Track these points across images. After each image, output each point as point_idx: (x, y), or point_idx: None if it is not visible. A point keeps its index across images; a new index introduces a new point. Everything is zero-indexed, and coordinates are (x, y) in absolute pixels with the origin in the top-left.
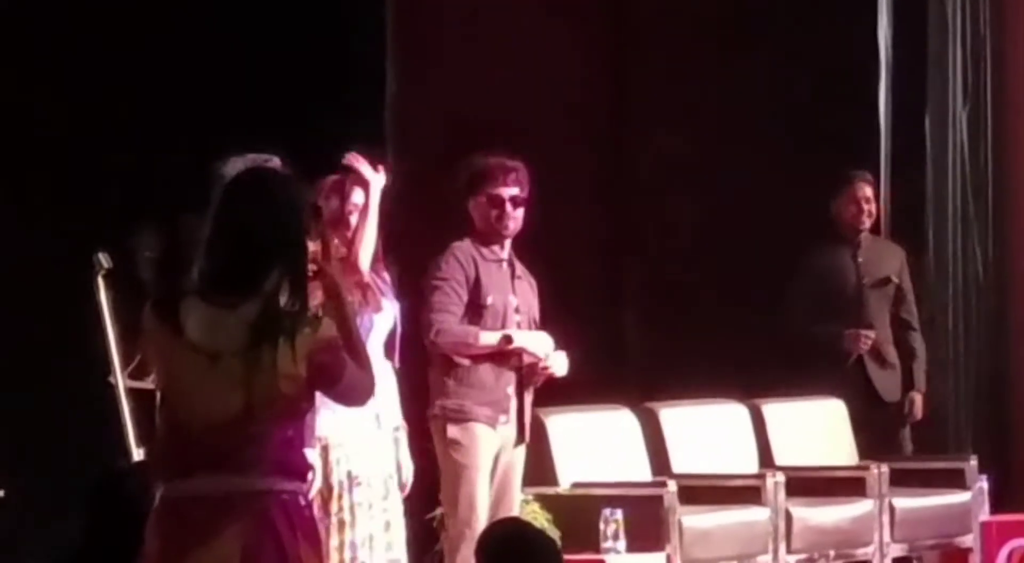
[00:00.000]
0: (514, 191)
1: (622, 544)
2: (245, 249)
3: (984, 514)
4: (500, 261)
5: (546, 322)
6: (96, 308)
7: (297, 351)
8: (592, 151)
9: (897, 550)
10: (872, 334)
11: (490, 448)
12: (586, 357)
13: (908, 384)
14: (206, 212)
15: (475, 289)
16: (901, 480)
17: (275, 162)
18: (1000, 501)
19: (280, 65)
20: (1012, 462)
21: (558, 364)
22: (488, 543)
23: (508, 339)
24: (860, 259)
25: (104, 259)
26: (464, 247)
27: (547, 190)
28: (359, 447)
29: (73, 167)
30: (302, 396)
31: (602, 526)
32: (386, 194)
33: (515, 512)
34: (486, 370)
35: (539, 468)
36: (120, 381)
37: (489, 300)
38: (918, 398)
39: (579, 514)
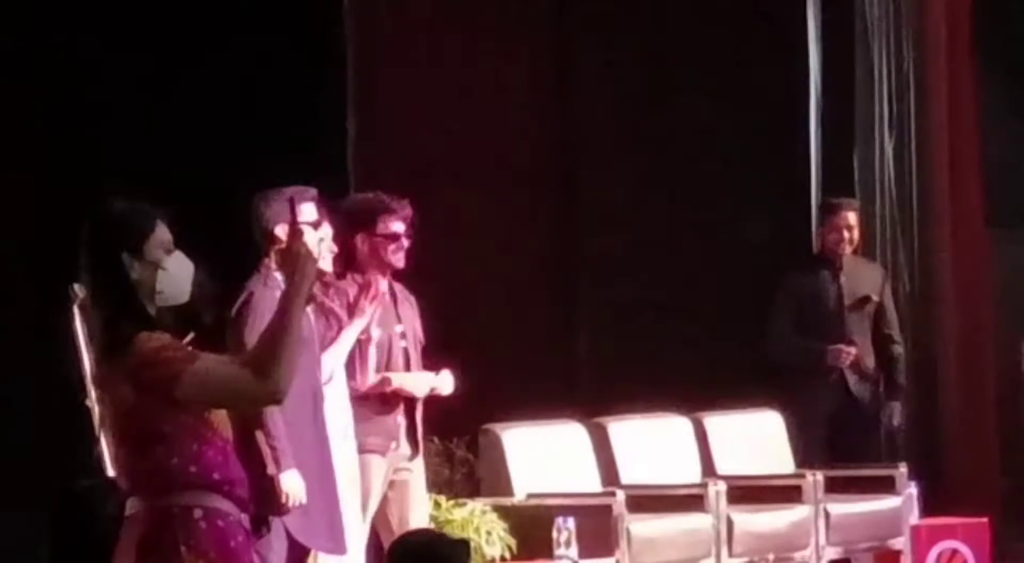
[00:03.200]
0: (404, 227)
1: (574, 551)
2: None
3: (914, 518)
4: (383, 294)
5: (500, 342)
6: (72, 336)
7: (126, 371)
8: (545, 183)
9: (832, 553)
10: (853, 350)
11: (379, 476)
12: (539, 375)
13: (890, 395)
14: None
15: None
16: (835, 487)
17: (312, 193)
18: (930, 506)
19: (244, 111)
20: (941, 469)
21: (444, 386)
22: (397, 554)
23: (387, 381)
24: (842, 280)
25: (79, 289)
26: (346, 285)
27: (501, 218)
28: None
29: (48, 199)
30: (146, 415)
31: (555, 534)
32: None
33: (426, 521)
34: (373, 403)
35: (495, 480)
36: (95, 404)
37: (375, 335)
38: (897, 407)
39: (534, 523)
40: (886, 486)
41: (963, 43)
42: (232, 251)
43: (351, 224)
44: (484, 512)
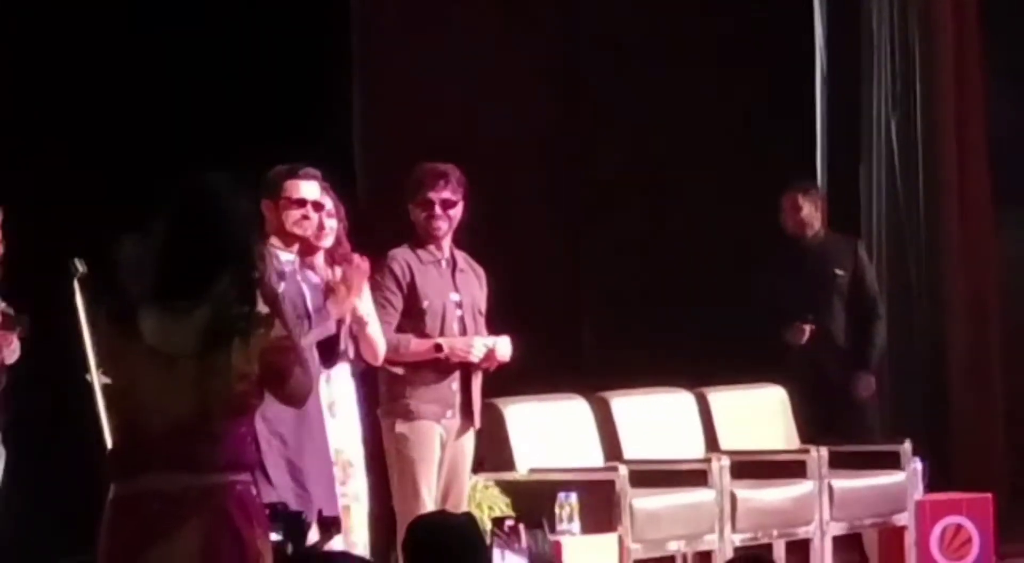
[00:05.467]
0: (445, 195)
1: (576, 526)
2: (200, 256)
3: (918, 494)
4: (438, 261)
5: (505, 318)
6: (73, 310)
7: (251, 351)
8: (553, 159)
9: (837, 528)
10: (808, 327)
11: (436, 442)
12: (543, 350)
13: (858, 365)
14: (161, 222)
15: (411, 294)
16: (840, 462)
17: (314, 172)
18: (935, 482)
19: (251, 91)
20: (946, 445)
21: (501, 350)
22: (410, 536)
23: (438, 347)
24: (806, 259)
25: (80, 264)
26: (399, 254)
27: (508, 194)
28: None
29: (51, 174)
30: (254, 394)
31: (557, 509)
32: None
33: (464, 497)
34: (429, 370)
35: (498, 455)
36: (96, 379)
37: (425, 303)
38: (868, 378)
39: (536, 498)
40: (890, 462)
41: (970, 17)
42: None
43: (406, 196)
44: (486, 487)
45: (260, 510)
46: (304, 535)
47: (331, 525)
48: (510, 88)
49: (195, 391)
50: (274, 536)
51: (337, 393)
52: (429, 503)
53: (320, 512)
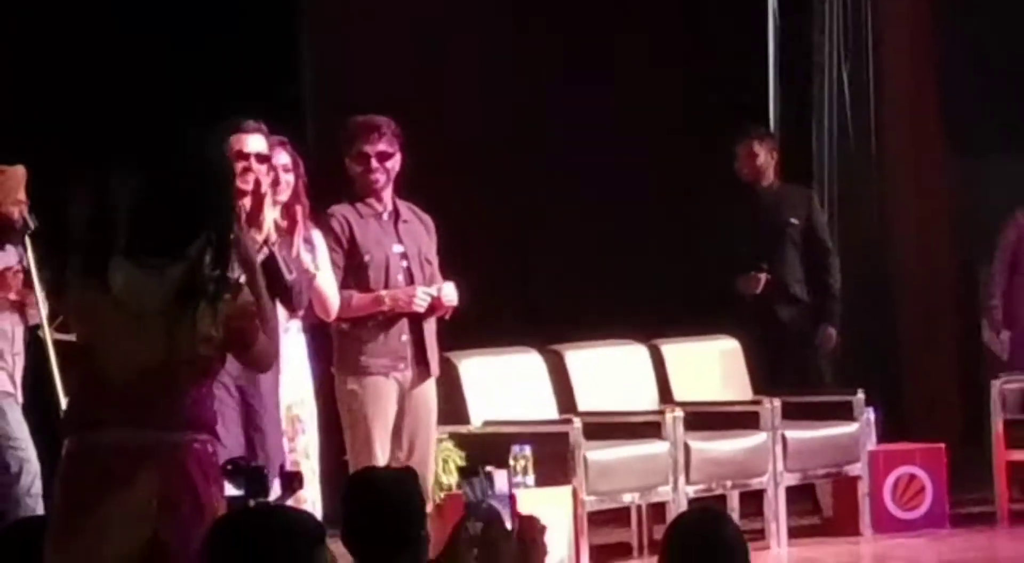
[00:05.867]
0: (380, 147)
1: (531, 479)
2: (176, 214)
3: (871, 444)
4: (379, 214)
5: (456, 271)
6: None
7: (218, 315)
8: (503, 115)
9: (790, 479)
10: (763, 276)
11: (390, 398)
12: (494, 304)
13: (820, 318)
14: (137, 174)
15: (352, 249)
16: (793, 413)
17: (259, 125)
18: (888, 432)
19: (201, 47)
20: (899, 395)
21: (447, 296)
22: (344, 491)
23: (379, 300)
24: (760, 207)
25: (31, 220)
26: (338, 211)
27: (459, 148)
28: None
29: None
30: (217, 357)
31: (512, 462)
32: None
33: (431, 446)
34: (376, 324)
35: (452, 408)
36: (48, 334)
37: (367, 257)
38: (831, 331)
39: (490, 451)
40: (843, 412)
41: None
42: None
43: (342, 150)
44: (440, 440)
45: (217, 469)
46: (266, 490)
47: (293, 480)
48: (459, 40)
49: (159, 349)
50: (235, 491)
51: (287, 348)
52: (382, 459)
53: (282, 467)
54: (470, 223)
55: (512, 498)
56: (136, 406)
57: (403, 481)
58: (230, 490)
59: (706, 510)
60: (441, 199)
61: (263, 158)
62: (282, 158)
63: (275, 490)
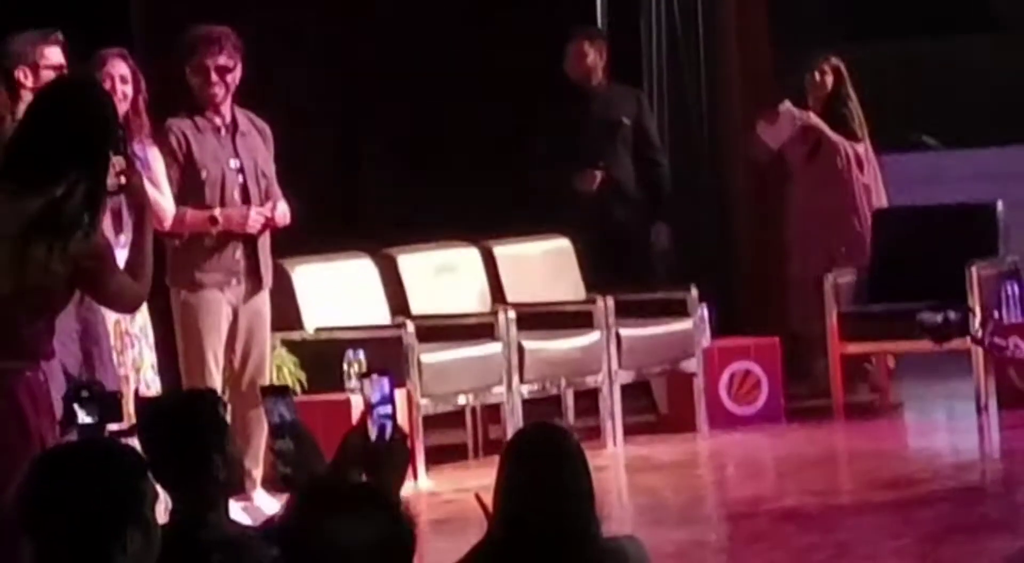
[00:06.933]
0: (220, 60)
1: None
2: (49, 148)
3: (706, 340)
4: (217, 128)
5: (287, 177)
6: None
7: (67, 251)
8: (328, 9)
9: (625, 377)
10: (599, 174)
11: (221, 310)
12: (326, 208)
13: (652, 217)
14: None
15: (189, 164)
16: (627, 311)
17: (57, 36)
18: (722, 328)
19: None
20: (732, 291)
21: (280, 216)
22: (147, 416)
23: (213, 219)
24: (591, 107)
25: None
26: (175, 124)
27: (283, 50)
28: None
29: None
30: (60, 294)
31: (346, 367)
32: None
33: (266, 358)
34: (210, 239)
35: (284, 315)
36: None
37: (204, 173)
38: (663, 228)
39: (324, 357)
40: (677, 309)
41: None
42: None
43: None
44: (273, 348)
45: (48, 400)
46: (120, 416)
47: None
48: None
49: (1, 276)
50: (87, 418)
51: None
52: (215, 372)
53: (137, 392)
54: (298, 126)
55: (346, 402)
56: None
57: (189, 402)
58: (84, 418)
59: (544, 424)
60: (269, 103)
61: (125, 80)
62: (120, 69)
63: (130, 417)
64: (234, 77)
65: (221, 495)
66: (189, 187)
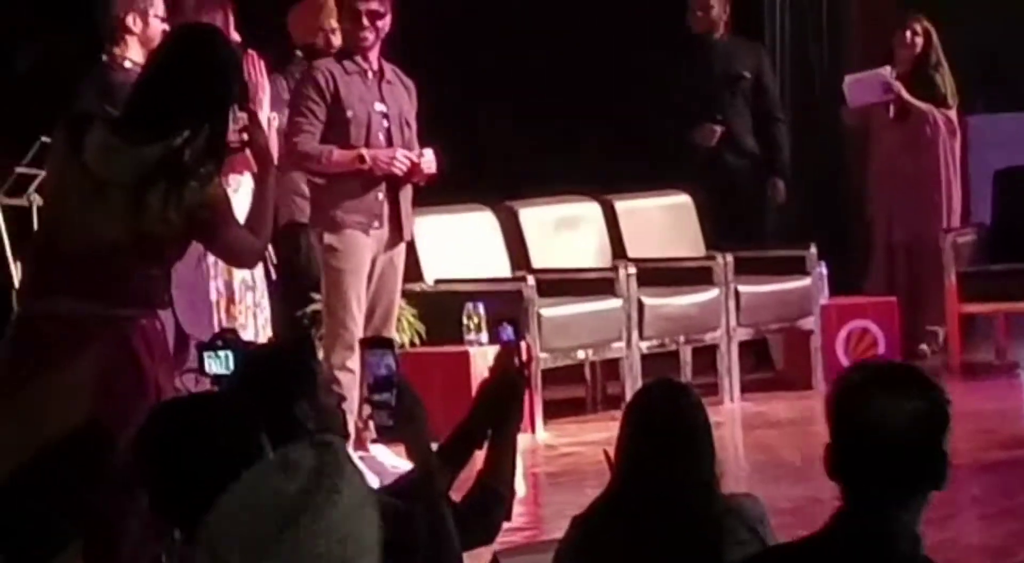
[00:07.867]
0: (372, 6)
1: (484, 336)
2: (172, 97)
3: (824, 298)
4: (364, 72)
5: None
6: None
7: (182, 201)
8: None
9: (743, 334)
10: (718, 128)
11: (364, 253)
12: (449, 161)
13: (769, 172)
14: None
15: (335, 104)
16: (745, 268)
17: None
18: (840, 286)
19: None
20: (849, 249)
21: (427, 163)
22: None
23: (361, 158)
24: (713, 60)
25: None
26: (323, 64)
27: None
28: None
29: None
30: (174, 243)
31: (465, 320)
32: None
33: (395, 310)
34: (354, 181)
35: (405, 267)
36: None
37: (349, 113)
38: (780, 184)
39: (444, 309)
40: (796, 267)
41: None
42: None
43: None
44: None
45: (164, 346)
46: None
47: None
48: None
49: (116, 222)
50: (220, 369)
51: (242, 206)
52: (358, 314)
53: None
54: (422, 83)
55: (466, 355)
56: (85, 278)
57: (274, 351)
58: (215, 368)
59: (668, 381)
60: (397, 57)
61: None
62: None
63: None
64: (384, 23)
65: None
66: (334, 127)
